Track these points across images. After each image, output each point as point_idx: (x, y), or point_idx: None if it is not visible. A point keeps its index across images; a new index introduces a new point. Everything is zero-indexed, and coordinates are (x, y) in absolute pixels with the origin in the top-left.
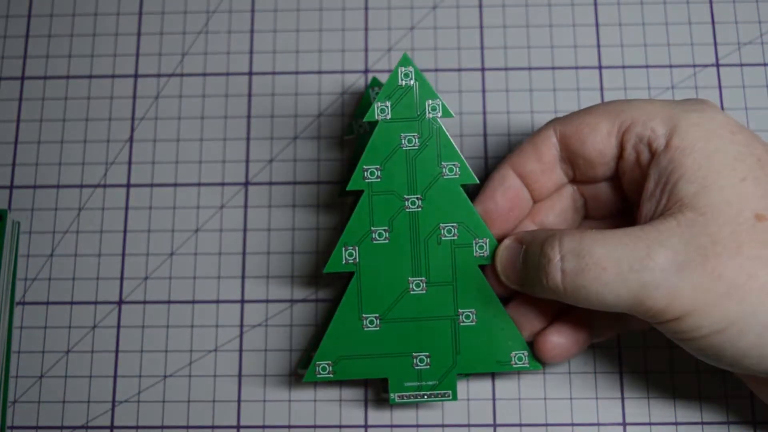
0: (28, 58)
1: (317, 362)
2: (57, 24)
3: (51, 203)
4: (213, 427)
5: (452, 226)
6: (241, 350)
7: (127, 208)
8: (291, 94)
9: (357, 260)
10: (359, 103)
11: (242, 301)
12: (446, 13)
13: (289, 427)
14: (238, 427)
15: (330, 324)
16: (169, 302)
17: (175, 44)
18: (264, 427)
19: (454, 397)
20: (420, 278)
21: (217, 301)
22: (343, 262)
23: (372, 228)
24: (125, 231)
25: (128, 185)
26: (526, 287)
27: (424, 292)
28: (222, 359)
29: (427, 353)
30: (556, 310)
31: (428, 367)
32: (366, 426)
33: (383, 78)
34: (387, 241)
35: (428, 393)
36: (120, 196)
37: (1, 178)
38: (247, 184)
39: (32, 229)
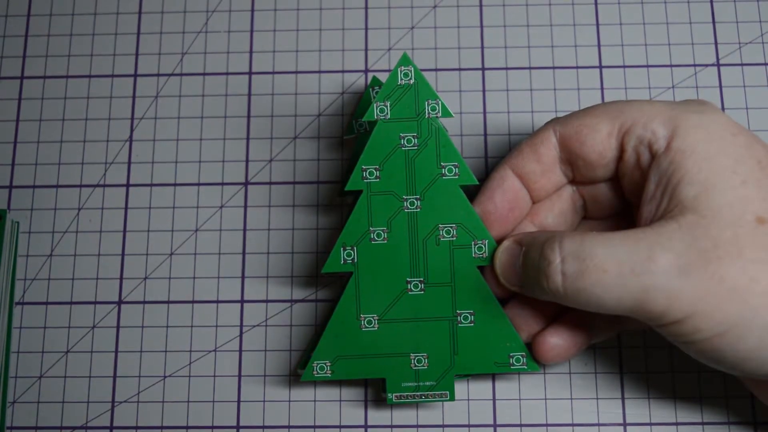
0: (27, 57)
1: (315, 362)
2: (56, 23)
3: (50, 203)
4: (213, 427)
5: (451, 227)
6: (240, 350)
7: (126, 208)
8: (291, 94)
9: (355, 260)
10: (359, 102)
11: (242, 301)
12: (446, 13)
13: (289, 427)
14: (238, 427)
15: (328, 324)
16: (168, 302)
17: (175, 44)
18: (264, 427)
19: (452, 398)
20: (418, 279)
21: (217, 301)
22: (342, 262)
23: (371, 228)
24: (125, 231)
25: (128, 185)
26: (526, 289)
27: (422, 292)
28: (222, 359)
29: (425, 354)
30: (554, 312)
31: (426, 367)
32: (366, 426)
33: (383, 78)
34: (385, 242)
35: (426, 393)
36: (119, 196)
37: (0, 177)
38: (246, 183)
39: (31, 229)
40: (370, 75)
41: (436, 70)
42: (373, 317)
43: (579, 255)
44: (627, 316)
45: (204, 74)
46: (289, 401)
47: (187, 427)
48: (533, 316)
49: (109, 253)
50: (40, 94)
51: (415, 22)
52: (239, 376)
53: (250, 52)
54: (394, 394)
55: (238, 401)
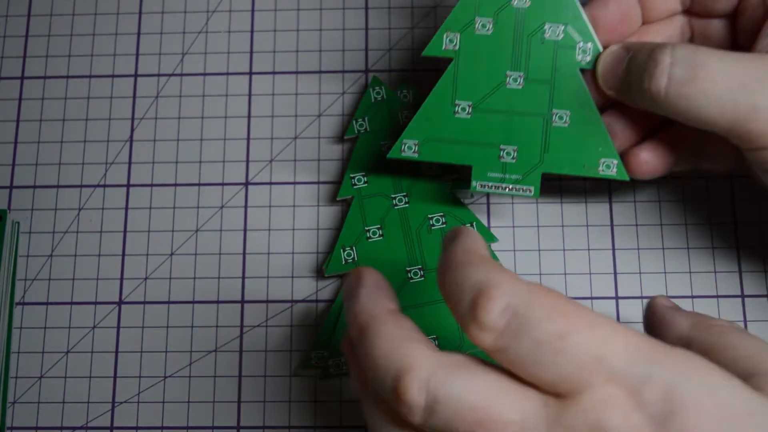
0: (27, 57)
1: (404, 140)
2: (57, 23)
3: (51, 203)
4: (213, 427)
5: (558, 27)
6: (241, 350)
7: (127, 208)
8: (291, 94)
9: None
10: (359, 103)
11: (242, 302)
12: (446, 13)
13: (289, 427)
14: (238, 427)
15: (422, 105)
16: (169, 302)
17: (175, 44)
18: (264, 427)
19: (536, 194)
20: (518, 73)
21: (217, 302)
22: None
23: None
24: (125, 231)
25: (128, 185)
26: (623, 93)
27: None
28: (222, 359)
29: (515, 147)
30: (648, 127)
31: (514, 161)
32: (366, 426)
33: (383, 78)
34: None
35: (510, 186)
36: (120, 196)
37: (0, 178)
38: (247, 183)
39: (32, 229)
40: (370, 75)
41: (436, 70)
42: (467, 104)
43: (691, 62)
44: (721, 134)
45: (204, 74)
46: (289, 401)
47: (187, 427)
48: (629, 127)
49: (110, 253)
50: (40, 94)
51: (415, 22)
52: (239, 376)
53: (250, 52)
54: (478, 182)
55: (239, 401)
